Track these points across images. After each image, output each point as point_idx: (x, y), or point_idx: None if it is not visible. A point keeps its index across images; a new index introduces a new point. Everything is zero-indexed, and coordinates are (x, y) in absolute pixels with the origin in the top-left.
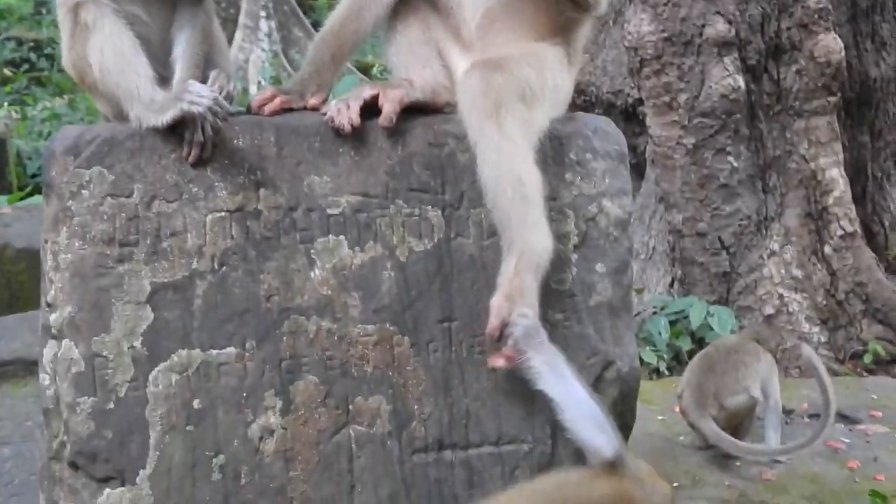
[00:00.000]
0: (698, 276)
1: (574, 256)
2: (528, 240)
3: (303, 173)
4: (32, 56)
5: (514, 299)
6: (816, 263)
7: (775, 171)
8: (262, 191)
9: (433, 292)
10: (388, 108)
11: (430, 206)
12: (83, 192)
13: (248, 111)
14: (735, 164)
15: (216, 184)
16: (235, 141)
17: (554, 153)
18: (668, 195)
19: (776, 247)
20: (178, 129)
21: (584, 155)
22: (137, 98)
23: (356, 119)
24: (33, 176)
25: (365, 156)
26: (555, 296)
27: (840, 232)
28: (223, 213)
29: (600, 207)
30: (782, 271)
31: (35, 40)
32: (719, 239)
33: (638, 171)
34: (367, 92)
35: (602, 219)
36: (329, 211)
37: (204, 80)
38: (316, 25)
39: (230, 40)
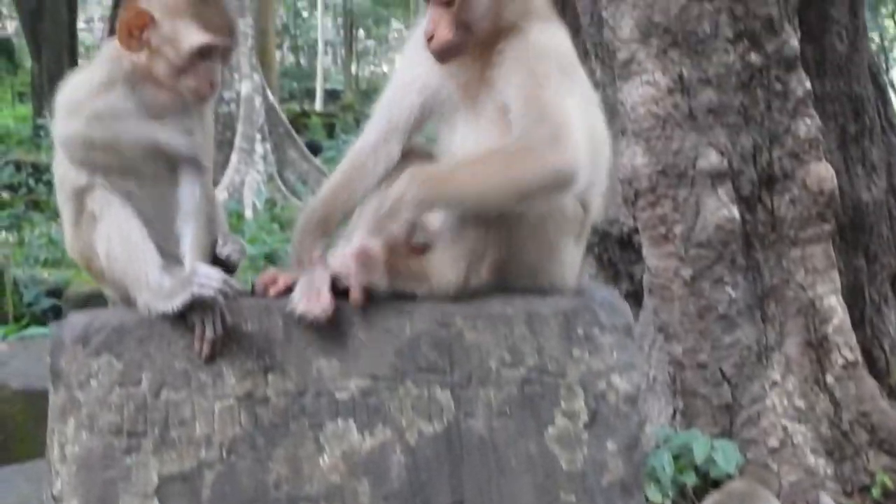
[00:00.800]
0: (700, 407)
1: (584, 435)
2: None
3: (311, 357)
4: (31, 181)
5: None
6: (819, 393)
7: (773, 301)
8: (270, 376)
9: (443, 475)
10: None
11: (438, 387)
12: (91, 381)
13: (253, 292)
14: (733, 295)
15: (225, 370)
16: (244, 326)
17: (560, 329)
18: (667, 326)
19: (778, 377)
20: (188, 319)
21: (592, 330)
22: (146, 285)
23: (329, 306)
24: (29, 304)
25: (373, 337)
26: (566, 477)
27: (841, 361)
28: (231, 401)
29: (609, 383)
30: (785, 402)
31: (34, 164)
32: (720, 370)
33: (635, 298)
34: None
35: (611, 395)
36: (338, 395)
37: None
38: (310, 146)
39: (226, 163)
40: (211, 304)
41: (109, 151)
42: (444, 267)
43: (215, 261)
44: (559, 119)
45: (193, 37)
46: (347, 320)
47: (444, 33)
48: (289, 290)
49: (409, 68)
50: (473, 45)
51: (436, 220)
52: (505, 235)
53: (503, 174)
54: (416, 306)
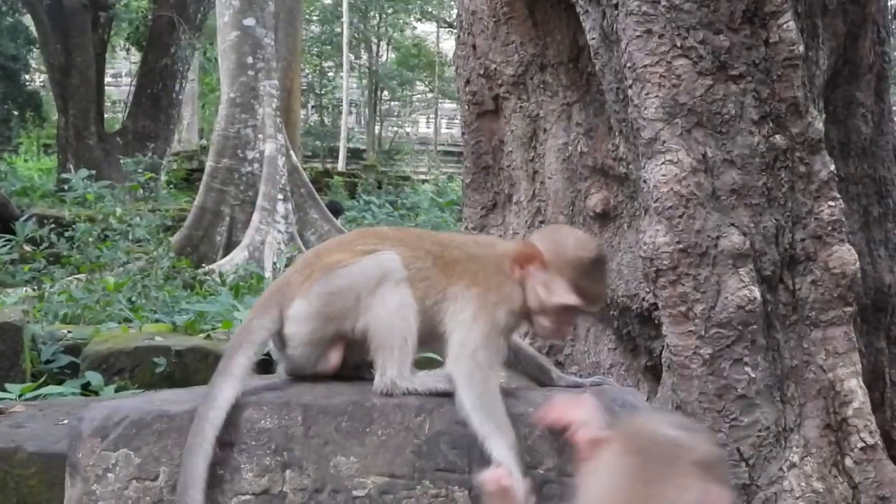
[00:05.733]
0: None
1: None
2: None
3: (329, 454)
4: (53, 235)
5: None
6: (837, 476)
7: (793, 382)
8: (288, 472)
9: None
10: None
11: (456, 486)
12: (108, 475)
13: None
14: (752, 375)
15: (242, 466)
16: (263, 422)
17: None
18: (685, 405)
19: (796, 459)
20: None
21: None
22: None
23: None
24: (47, 362)
25: (392, 436)
26: None
27: (861, 444)
28: (249, 497)
29: None
30: (803, 484)
31: (56, 219)
32: (738, 450)
33: (654, 373)
34: None
35: None
36: (355, 492)
37: None
38: (331, 207)
39: (247, 222)
40: None
41: None
42: None
43: None
44: None
45: (565, 296)
46: (367, 417)
47: None
48: None
49: None
50: None
51: None
52: None
53: None
54: (437, 405)
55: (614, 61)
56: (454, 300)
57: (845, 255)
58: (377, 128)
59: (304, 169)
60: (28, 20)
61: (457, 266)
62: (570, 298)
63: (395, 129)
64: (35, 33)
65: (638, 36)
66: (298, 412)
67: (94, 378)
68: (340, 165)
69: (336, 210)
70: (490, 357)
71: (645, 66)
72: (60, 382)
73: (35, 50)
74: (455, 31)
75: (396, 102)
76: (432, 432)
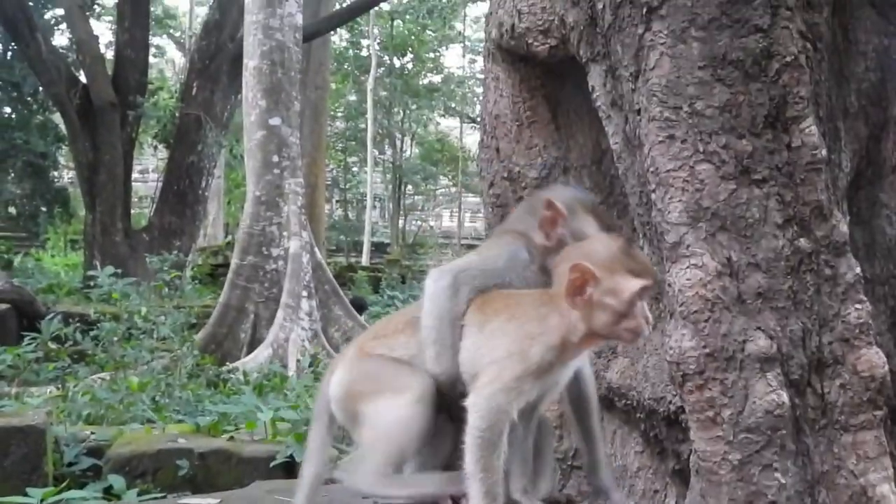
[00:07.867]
0: None
1: None
2: None
3: None
4: (78, 334)
5: None
6: None
7: (824, 487)
8: None
9: None
10: None
11: None
12: None
13: None
14: (783, 481)
15: None
16: None
17: None
18: None
19: None
20: None
21: None
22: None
23: None
24: (70, 464)
25: None
26: None
27: None
28: None
29: None
30: None
31: (81, 316)
32: None
33: (682, 477)
34: None
35: None
36: None
37: None
38: (355, 303)
39: (272, 319)
40: None
41: None
42: None
43: None
44: None
45: (633, 283)
46: None
47: None
48: None
49: None
50: None
51: None
52: None
53: None
54: None
55: (637, 165)
56: (490, 337)
57: (874, 359)
58: (401, 222)
59: (328, 263)
60: (57, 118)
61: (494, 303)
62: (638, 283)
63: (419, 222)
64: (64, 131)
65: (661, 141)
66: None
67: (117, 482)
68: (364, 260)
69: (360, 306)
70: (510, 400)
71: (668, 170)
72: (82, 486)
73: (64, 147)
74: (478, 127)
75: (420, 196)
76: None
